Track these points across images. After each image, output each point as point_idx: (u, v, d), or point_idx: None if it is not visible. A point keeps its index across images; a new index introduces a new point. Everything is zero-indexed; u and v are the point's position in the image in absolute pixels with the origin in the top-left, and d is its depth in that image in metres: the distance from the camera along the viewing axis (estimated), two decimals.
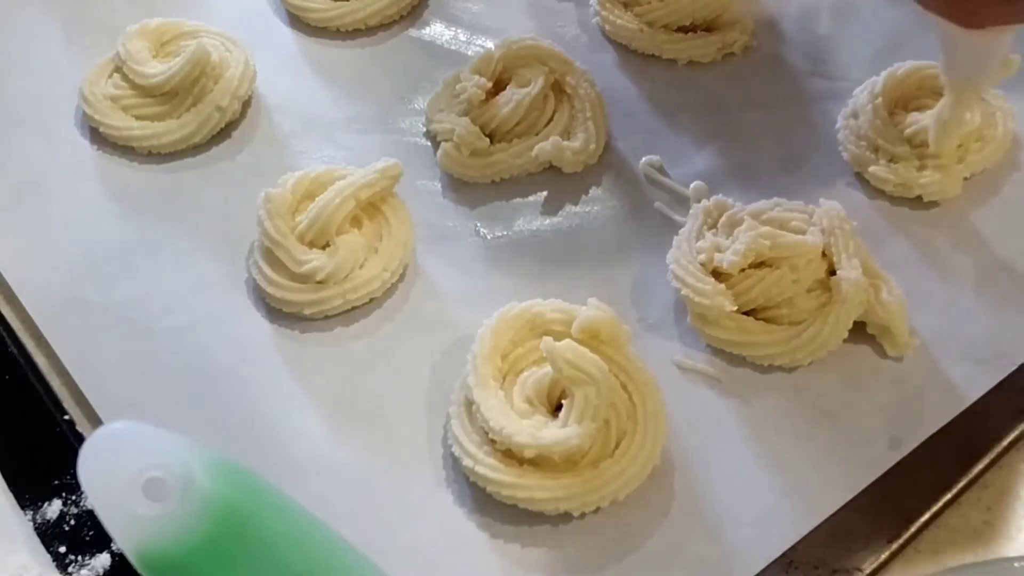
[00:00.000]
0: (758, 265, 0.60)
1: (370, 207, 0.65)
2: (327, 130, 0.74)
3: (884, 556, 0.53)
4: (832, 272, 0.60)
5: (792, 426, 0.58)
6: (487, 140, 0.69)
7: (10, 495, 0.57)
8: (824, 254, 0.60)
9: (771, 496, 0.55)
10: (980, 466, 0.56)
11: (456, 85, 0.71)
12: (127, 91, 0.73)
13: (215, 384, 0.61)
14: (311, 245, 0.63)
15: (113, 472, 0.40)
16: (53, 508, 0.57)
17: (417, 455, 0.58)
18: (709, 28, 0.76)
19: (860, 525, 0.54)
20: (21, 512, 0.57)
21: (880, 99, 0.67)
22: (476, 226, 0.68)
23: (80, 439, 0.59)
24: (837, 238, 0.60)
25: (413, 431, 0.59)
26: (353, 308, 0.64)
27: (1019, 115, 0.68)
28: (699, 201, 0.65)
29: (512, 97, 0.70)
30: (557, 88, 0.72)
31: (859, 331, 0.60)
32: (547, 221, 0.68)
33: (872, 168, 0.67)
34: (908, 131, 0.66)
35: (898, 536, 0.54)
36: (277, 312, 0.64)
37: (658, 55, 0.76)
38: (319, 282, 0.62)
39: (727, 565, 0.53)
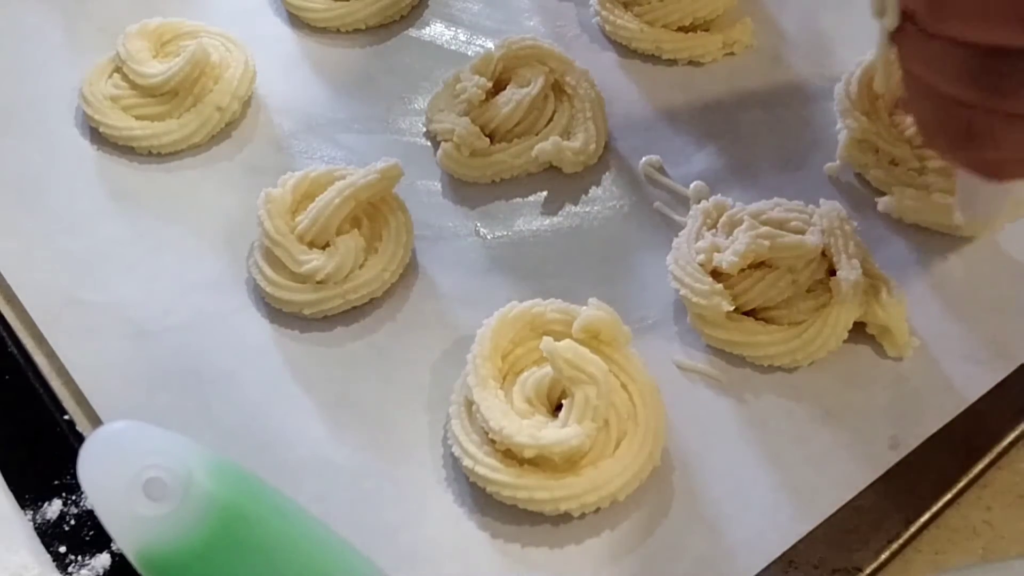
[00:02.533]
0: (758, 265, 0.60)
1: (370, 207, 0.65)
2: (327, 130, 0.74)
3: (884, 556, 0.53)
4: (832, 272, 0.60)
5: (792, 426, 0.58)
6: (487, 140, 0.69)
7: (10, 495, 0.57)
8: (824, 254, 0.60)
9: (771, 496, 0.55)
10: (980, 466, 0.56)
11: (456, 85, 0.71)
12: (127, 91, 0.73)
13: (215, 384, 0.61)
14: (311, 245, 0.63)
15: (113, 472, 0.40)
16: (53, 508, 0.57)
17: (417, 455, 0.58)
18: (709, 28, 0.76)
19: (860, 525, 0.54)
20: (21, 512, 0.57)
21: (880, 99, 0.67)
22: (476, 226, 0.68)
23: (80, 439, 0.59)
24: (837, 238, 0.60)
25: (413, 431, 0.59)
26: (353, 308, 0.64)
27: None
28: (699, 201, 0.65)
29: (512, 97, 0.70)
30: (557, 88, 0.72)
31: (859, 331, 0.60)
32: (547, 221, 0.68)
33: (873, 170, 0.67)
34: (908, 132, 0.66)
35: (898, 536, 0.54)
36: (277, 312, 0.64)
37: (658, 55, 0.76)
38: (319, 282, 0.62)
39: (727, 565, 0.53)
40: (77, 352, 0.62)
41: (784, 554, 0.53)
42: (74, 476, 0.56)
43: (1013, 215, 0.63)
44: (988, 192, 0.55)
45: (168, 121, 0.72)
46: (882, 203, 0.65)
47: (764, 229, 0.60)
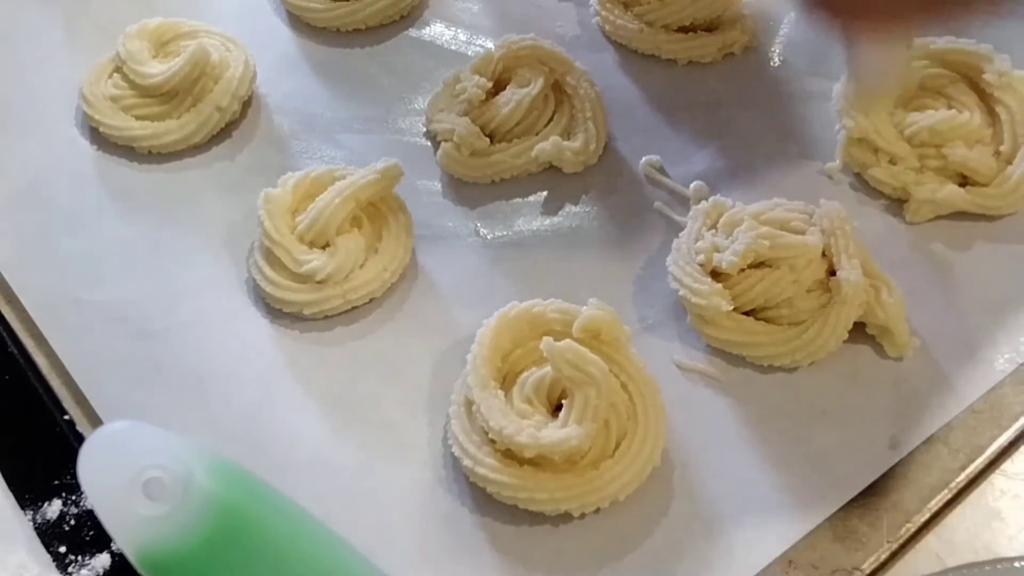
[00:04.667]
0: (758, 265, 0.60)
1: (370, 207, 0.65)
2: (327, 130, 0.74)
3: (884, 556, 0.53)
4: (832, 272, 0.60)
5: (792, 426, 0.58)
6: (487, 140, 0.69)
7: (10, 495, 0.57)
8: (824, 254, 0.60)
9: (771, 496, 0.55)
10: (980, 466, 0.56)
11: (456, 85, 0.71)
12: (127, 91, 0.73)
13: (215, 384, 0.61)
14: (311, 245, 0.63)
15: (113, 472, 0.40)
16: (53, 508, 0.57)
17: (417, 455, 0.58)
18: (709, 28, 0.76)
19: (860, 525, 0.54)
20: (21, 512, 0.57)
21: (880, 99, 0.67)
22: (476, 226, 0.68)
23: (80, 439, 0.59)
24: (837, 238, 0.60)
25: (413, 431, 0.59)
26: (353, 308, 0.64)
27: None
28: (699, 201, 0.65)
29: (512, 97, 0.70)
30: (557, 88, 0.72)
31: (859, 331, 0.60)
32: (547, 221, 0.68)
33: (872, 170, 0.67)
34: (908, 131, 0.66)
35: (898, 536, 0.54)
36: (277, 312, 0.64)
37: (658, 55, 0.76)
38: (319, 282, 0.62)
39: (727, 565, 0.53)
40: (77, 352, 0.62)
41: (784, 554, 0.53)
42: (74, 476, 0.56)
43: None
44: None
45: (168, 121, 0.72)
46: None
47: (764, 229, 0.60)
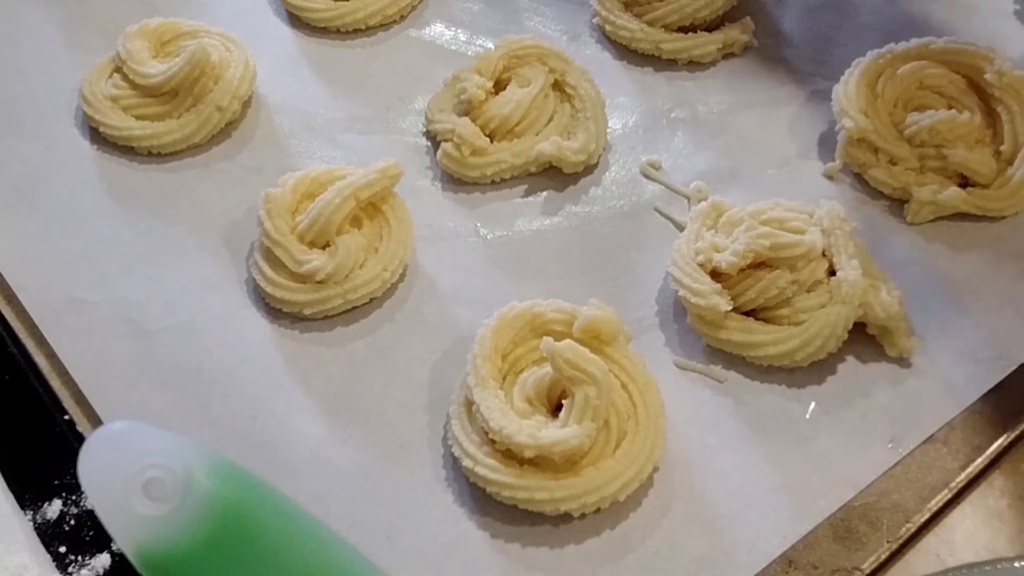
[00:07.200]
0: (758, 265, 0.60)
1: (370, 207, 0.65)
2: (327, 130, 0.74)
3: (884, 556, 0.53)
4: (832, 272, 0.60)
5: (792, 426, 0.58)
6: (487, 140, 0.69)
7: (10, 495, 0.57)
8: (824, 254, 0.60)
9: (771, 496, 0.55)
10: (980, 466, 0.56)
11: (456, 85, 0.71)
12: (127, 91, 0.73)
13: (215, 384, 0.61)
14: (311, 245, 0.63)
15: (113, 472, 0.40)
16: (53, 508, 0.57)
17: (417, 455, 0.58)
18: (709, 28, 0.76)
19: (860, 525, 0.54)
20: (21, 512, 0.57)
21: (879, 99, 0.67)
22: (476, 226, 0.68)
23: (80, 439, 0.59)
24: (837, 238, 0.60)
25: (413, 431, 0.59)
26: (353, 308, 0.64)
27: None
28: (699, 201, 0.65)
29: (512, 97, 0.70)
30: (557, 88, 0.72)
31: (859, 331, 0.60)
32: (547, 221, 0.68)
33: (872, 170, 0.67)
34: (908, 131, 0.66)
35: (898, 536, 0.54)
36: (277, 312, 0.64)
37: (658, 55, 0.76)
38: (319, 282, 0.62)
39: (727, 565, 0.53)
40: (77, 352, 0.62)
41: (784, 554, 0.53)
42: (74, 476, 0.56)
43: None
44: None
45: (168, 121, 0.72)
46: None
47: (764, 229, 0.60)
